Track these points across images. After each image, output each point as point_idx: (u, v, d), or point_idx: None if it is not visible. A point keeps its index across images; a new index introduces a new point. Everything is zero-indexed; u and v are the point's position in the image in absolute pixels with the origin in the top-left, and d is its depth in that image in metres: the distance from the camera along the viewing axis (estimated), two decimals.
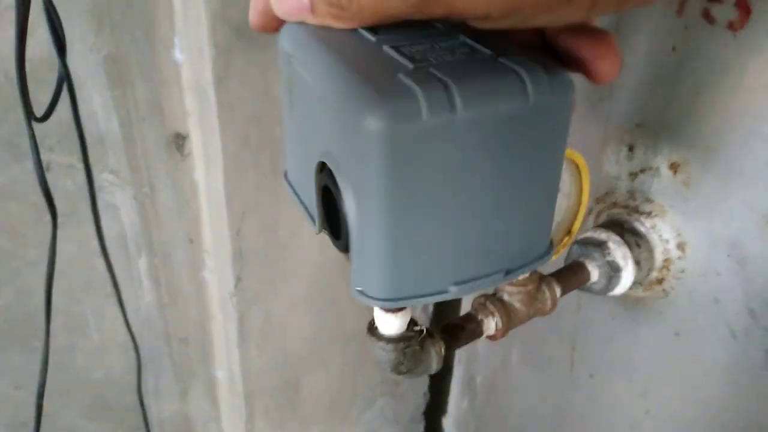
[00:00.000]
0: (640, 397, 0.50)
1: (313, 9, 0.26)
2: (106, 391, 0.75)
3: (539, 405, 0.60)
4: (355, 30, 0.27)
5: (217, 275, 0.74)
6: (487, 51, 0.26)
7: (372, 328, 0.35)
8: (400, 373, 0.35)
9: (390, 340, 0.34)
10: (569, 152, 0.37)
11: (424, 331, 0.36)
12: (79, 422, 0.74)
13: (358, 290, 0.28)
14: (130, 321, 0.69)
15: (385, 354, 0.35)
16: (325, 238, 0.31)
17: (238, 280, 0.72)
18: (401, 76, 0.24)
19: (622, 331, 0.50)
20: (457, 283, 0.27)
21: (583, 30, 0.28)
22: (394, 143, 0.23)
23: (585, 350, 0.54)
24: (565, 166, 0.39)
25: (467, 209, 0.25)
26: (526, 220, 0.27)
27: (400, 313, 0.34)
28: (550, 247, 0.30)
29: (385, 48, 0.26)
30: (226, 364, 0.80)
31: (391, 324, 0.34)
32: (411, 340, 0.35)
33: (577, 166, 0.38)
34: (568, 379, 0.56)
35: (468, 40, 0.27)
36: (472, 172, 0.25)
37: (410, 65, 0.24)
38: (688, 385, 0.47)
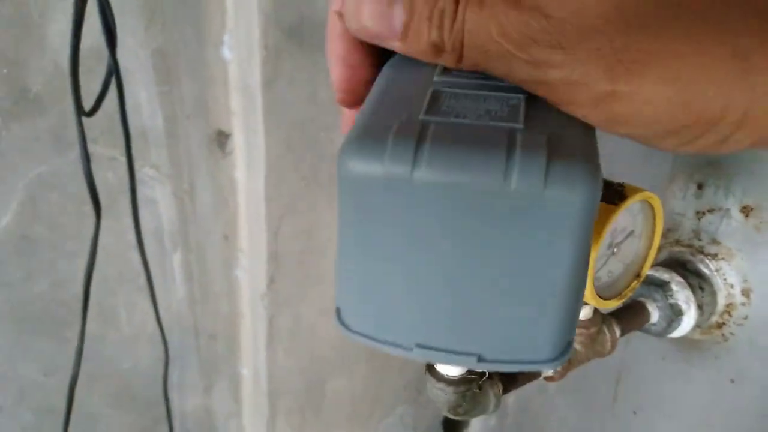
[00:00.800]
0: None
1: (405, 37, 0.23)
2: (132, 382, 0.75)
3: None
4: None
5: (249, 274, 0.73)
6: (521, 122, 0.23)
7: (431, 367, 0.34)
8: (457, 415, 0.34)
9: (450, 382, 0.33)
10: (646, 194, 0.35)
11: (486, 374, 0.34)
12: (104, 410, 0.74)
13: (337, 307, 0.27)
14: (161, 315, 0.69)
15: (444, 396, 0.33)
16: None
17: (271, 281, 0.72)
18: (401, 122, 0.23)
19: (673, 371, 0.49)
20: (420, 346, 0.26)
21: None
22: (352, 183, 0.23)
23: (630, 385, 0.53)
24: (639, 207, 0.37)
25: (428, 276, 0.24)
26: (511, 313, 0.24)
27: None
28: (561, 355, 0.25)
29: (430, 90, 0.24)
30: (252, 363, 0.79)
31: (453, 366, 0.33)
32: (471, 383, 0.34)
33: (652, 208, 0.37)
34: (610, 412, 0.54)
35: (523, 104, 0.24)
36: (433, 239, 0.23)
37: (421, 114, 0.23)
38: None
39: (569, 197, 0.21)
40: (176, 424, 0.80)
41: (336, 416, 0.87)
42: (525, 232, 0.22)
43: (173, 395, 0.78)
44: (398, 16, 0.22)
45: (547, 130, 0.22)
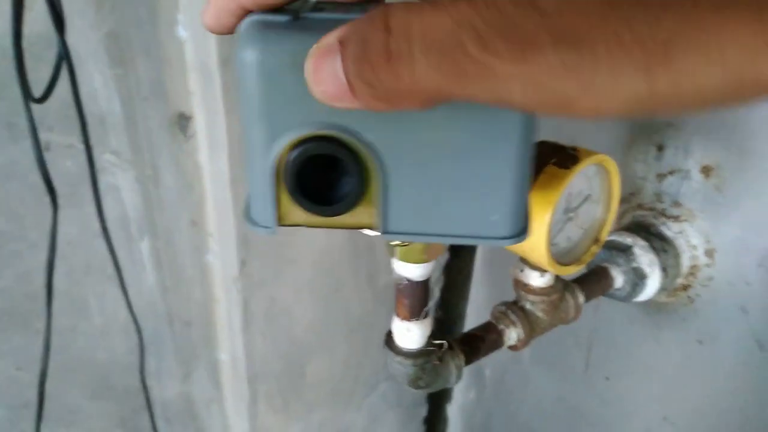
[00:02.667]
0: (657, 403, 0.49)
1: (353, 91, 0.20)
2: (109, 373, 0.74)
3: (550, 403, 0.59)
4: None
5: (221, 259, 0.72)
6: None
7: (389, 341, 0.34)
8: (418, 387, 0.34)
9: (409, 354, 0.33)
10: (600, 156, 0.35)
11: (445, 345, 0.34)
12: (82, 403, 0.74)
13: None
14: (133, 303, 0.68)
15: (403, 369, 0.33)
16: None
17: (243, 264, 0.71)
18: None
19: (642, 335, 0.49)
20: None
21: None
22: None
23: (601, 351, 0.53)
24: (594, 170, 0.37)
25: None
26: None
27: (419, 324, 0.32)
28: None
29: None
30: (229, 348, 0.79)
31: (410, 336, 0.32)
32: (431, 354, 0.33)
33: (607, 171, 0.36)
34: (582, 380, 0.54)
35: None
36: None
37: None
38: (709, 393, 0.46)
39: (242, 52, 0.25)
40: (157, 412, 0.79)
41: (318, 397, 0.87)
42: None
43: (152, 383, 0.77)
44: (339, 73, 0.20)
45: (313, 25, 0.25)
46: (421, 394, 0.98)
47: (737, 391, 0.44)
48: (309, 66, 0.21)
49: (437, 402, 0.92)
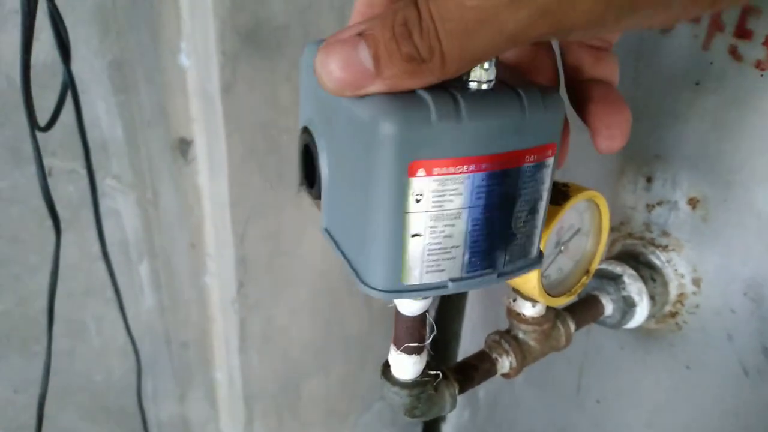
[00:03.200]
0: (646, 427, 0.50)
1: (380, 71, 0.22)
2: (106, 395, 0.74)
3: (542, 425, 0.60)
4: None
5: (218, 280, 0.73)
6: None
7: (386, 372, 0.35)
8: (414, 416, 0.35)
9: (405, 385, 0.34)
10: (590, 193, 0.36)
11: (440, 375, 0.35)
12: (79, 425, 0.74)
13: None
14: (131, 325, 0.69)
15: (399, 399, 0.34)
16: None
17: (241, 285, 0.72)
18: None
19: (632, 360, 0.50)
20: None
21: (608, 99, 0.28)
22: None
23: (592, 375, 0.54)
24: (585, 205, 0.38)
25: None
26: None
27: (416, 357, 0.33)
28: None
29: None
30: (226, 368, 0.79)
31: (406, 368, 0.34)
32: (426, 384, 0.34)
33: (597, 206, 0.38)
34: (574, 403, 0.56)
35: None
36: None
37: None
38: (697, 418, 0.47)
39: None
40: None
41: (313, 416, 0.88)
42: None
43: (148, 405, 0.77)
44: (364, 53, 0.22)
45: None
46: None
47: (724, 414, 0.45)
48: (322, 60, 0.23)
49: (432, 422, 0.93)
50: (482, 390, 0.69)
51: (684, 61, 0.42)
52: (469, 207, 0.25)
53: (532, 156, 0.26)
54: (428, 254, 0.26)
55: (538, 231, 0.29)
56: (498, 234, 0.27)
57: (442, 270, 0.26)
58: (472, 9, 0.20)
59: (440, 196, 0.25)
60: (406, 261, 0.26)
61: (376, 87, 0.23)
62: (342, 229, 0.29)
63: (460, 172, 0.24)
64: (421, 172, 0.24)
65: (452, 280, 0.27)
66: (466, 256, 0.26)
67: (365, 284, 0.27)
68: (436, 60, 0.22)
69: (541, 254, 0.30)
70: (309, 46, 0.30)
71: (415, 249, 0.26)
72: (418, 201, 0.25)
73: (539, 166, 0.27)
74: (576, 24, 0.21)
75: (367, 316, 0.84)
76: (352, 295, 0.81)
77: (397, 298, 0.28)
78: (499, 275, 0.28)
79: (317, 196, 0.30)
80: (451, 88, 0.24)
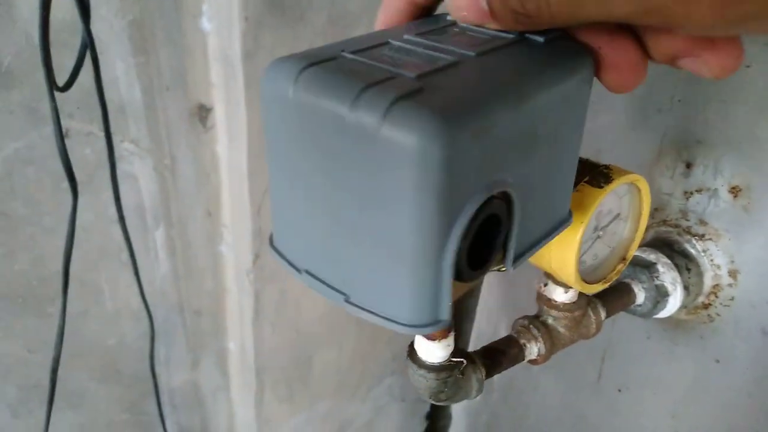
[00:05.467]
0: (669, 418, 0.49)
1: (494, 15, 0.25)
2: (118, 358, 0.74)
3: (559, 411, 0.59)
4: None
5: (234, 250, 0.72)
6: (415, 73, 0.23)
7: (412, 354, 0.34)
8: (439, 401, 0.34)
9: (431, 368, 0.33)
10: (633, 176, 0.34)
11: (465, 361, 0.34)
12: (90, 386, 0.74)
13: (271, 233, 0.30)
14: (145, 291, 0.68)
15: (426, 382, 0.33)
16: None
17: (257, 257, 0.71)
18: (324, 55, 0.25)
19: (658, 350, 0.49)
20: (307, 272, 0.27)
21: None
22: (263, 102, 0.25)
23: (615, 363, 0.53)
24: (625, 189, 0.36)
25: (311, 202, 0.25)
26: (370, 260, 0.24)
27: (443, 342, 0.32)
28: (425, 324, 0.24)
29: (388, 40, 0.26)
30: (239, 338, 0.79)
31: (433, 352, 0.32)
32: (453, 369, 0.33)
33: (638, 191, 0.36)
34: (594, 390, 0.54)
35: (452, 62, 0.24)
36: (310, 163, 0.24)
37: (347, 52, 0.25)
38: (723, 413, 0.46)
39: (404, 139, 0.20)
40: (164, 398, 0.80)
41: (324, 389, 0.88)
42: (373, 172, 0.22)
43: (160, 370, 0.77)
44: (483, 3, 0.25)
45: (447, 85, 0.22)
46: None
47: (752, 411, 0.44)
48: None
49: None
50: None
51: None
52: None
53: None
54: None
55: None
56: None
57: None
58: None
59: None
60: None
61: (493, 26, 0.26)
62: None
63: None
64: None
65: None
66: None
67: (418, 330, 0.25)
68: (544, 18, 0.24)
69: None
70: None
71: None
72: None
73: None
74: (684, 26, 0.22)
75: None
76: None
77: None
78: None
79: (480, 274, 0.26)
80: None
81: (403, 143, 0.20)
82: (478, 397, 0.59)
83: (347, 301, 0.25)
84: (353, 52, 0.25)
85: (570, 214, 0.29)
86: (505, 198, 0.24)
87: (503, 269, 0.27)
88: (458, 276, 0.24)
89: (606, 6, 0.22)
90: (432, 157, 0.20)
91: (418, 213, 0.21)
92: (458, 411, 0.83)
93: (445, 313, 0.24)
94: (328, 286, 0.26)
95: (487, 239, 0.25)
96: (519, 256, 0.26)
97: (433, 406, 0.97)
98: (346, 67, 0.23)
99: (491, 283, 0.68)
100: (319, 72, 0.23)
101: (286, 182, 0.25)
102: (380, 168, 0.21)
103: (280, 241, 0.28)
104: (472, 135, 0.21)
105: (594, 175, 0.33)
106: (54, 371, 0.61)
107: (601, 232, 0.35)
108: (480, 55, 0.25)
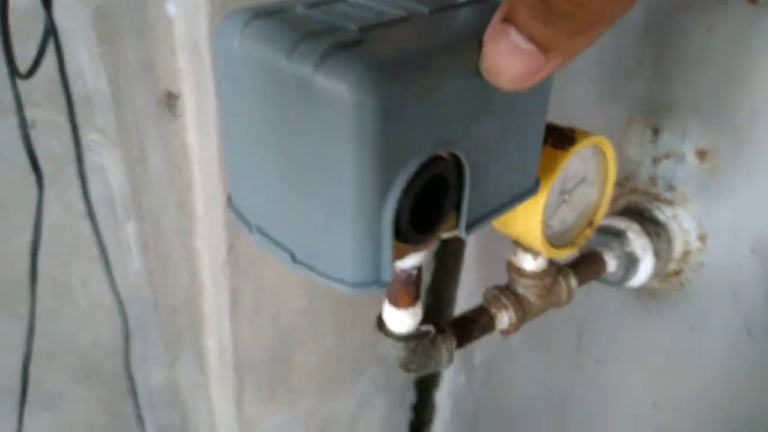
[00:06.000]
0: (646, 388, 0.49)
1: (545, 47, 0.21)
2: (94, 357, 0.73)
3: (539, 388, 0.59)
4: None
5: (208, 243, 0.71)
6: (357, 26, 0.23)
7: (381, 324, 0.33)
8: (409, 370, 0.33)
9: (400, 338, 0.32)
10: (598, 138, 0.34)
11: (434, 329, 0.33)
12: (66, 387, 0.73)
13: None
14: (118, 287, 0.67)
15: (395, 352, 0.33)
16: None
17: (231, 248, 0.70)
18: (276, 9, 0.25)
19: (633, 320, 0.49)
20: (258, 229, 0.26)
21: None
22: (214, 55, 0.26)
23: (593, 336, 0.53)
24: (591, 152, 0.36)
25: (258, 157, 0.24)
26: (314, 217, 0.23)
27: (411, 310, 0.32)
28: (366, 284, 0.24)
29: None
30: (216, 334, 0.78)
31: (401, 321, 0.32)
32: (422, 338, 0.33)
33: (604, 154, 0.36)
34: (573, 363, 0.54)
35: (397, 18, 0.24)
36: (256, 115, 0.24)
37: (299, 7, 0.25)
38: (699, 379, 0.46)
39: (336, 89, 0.20)
40: (142, 397, 0.78)
41: (305, 384, 0.87)
42: (311, 125, 0.21)
43: (137, 369, 0.76)
44: (517, 37, 0.21)
45: (390, 39, 0.22)
46: (409, 380, 0.97)
47: (726, 377, 0.44)
48: (490, 58, 0.22)
49: (426, 387, 0.93)
50: (478, 353, 0.68)
51: (696, 5, 0.40)
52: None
53: None
54: None
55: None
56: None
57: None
58: None
59: None
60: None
61: (552, 64, 0.21)
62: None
63: None
64: None
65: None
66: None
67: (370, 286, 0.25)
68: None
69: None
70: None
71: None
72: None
73: None
74: None
75: None
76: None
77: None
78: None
79: (432, 236, 0.25)
80: None
81: (335, 94, 0.20)
82: (462, 379, 0.58)
83: (294, 260, 0.25)
84: (308, 6, 0.25)
85: (537, 184, 0.29)
86: (456, 160, 0.24)
87: (457, 235, 0.26)
88: (404, 238, 0.23)
89: None
90: (366, 110, 0.20)
91: (355, 167, 0.21)
92: (443, 398, 0.83)
93: (387, 274, 0.23)
94: (277, 244, 0.25)
95: (435, 202, 0.24)
96: (474, 223, 0.26)
97: (418, 395, 0.97)
98: (292, 19, 0.24)
99: (469, 265, 0.68)
100: (264, 23, 0.23)
101: (237, 137, 0.25)
102: (317, 120, 0.21)
103: (236, 198, 0.28)
104: (414, 90, 0.21)
105: (558, 137, 0.33)
106: (25, 369, 0.59)
107: (567, 196, 0.35)
108: (433, 13, 0.25)
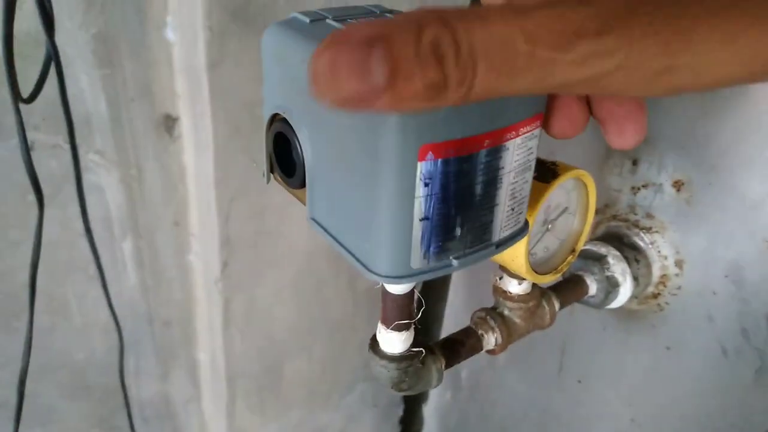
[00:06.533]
0: (626, 406, 0.51)
1: (393, 90, 0.18)
2: (88, 372, 0.74)
3: (524, 405, 0.61)
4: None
5: (202, 259, 0.73)
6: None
7: (374, 346, 0.35)
8: (401, 390, 0.35)
9: (392, 358, 0.34)
10: (579, 171, 0.36)
11: (425, 350, 0.35)
12: (59, 402, 0.73)
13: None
14: (113, 303, 0.68)
15: (387, 372, 0.34)
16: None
17: (225, 265, 0.71)
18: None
19: (614, 340, 0.51)
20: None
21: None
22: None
23: (574, 355, 0.54)
24: (572, 184, 0.38)
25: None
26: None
27: (405, 334, 0.34)
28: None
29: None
30: (209, 348, 0.79)
31: (394, 344, 0.34)
32: (413, 358, 0.34)
33: (585, 185, 0.38)
34: (556, 382, 0.56)
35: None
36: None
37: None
38: (676, 397, 0.48)
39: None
40: (135, 412, 0.79)
41: (295, 397, 0.88)
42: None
43: (130, 383, 0.77)
44: (378, 66, 0.18)
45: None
46: (397, 395, 0.99)
47: (702, 395, 0.46)
48: (324, 64, 0.18)
49: (413, 403, 0.94)
50: (465, 371, 0.70)
51: None
52: (474, 184, 0.26)
53: (526, 128, 0.26)
54: (435, 236, 0.26)
55: (526, 200, 0.30)
56: (495, 206, 0.27)
57: (448, 250, 0.27)
58: (524, 55, 0.18)
59: (447, 177, 0.25)
60: (414, 245, 0.26)
61: (382, 104, 0.18)
62: (336, 217, 0.28)
63: (466, 152, 0.24)
64: (430, 155, 0.24)
65: (456, 258, 0.27)
66: (468, 233, 0.27)
67: (372, 272, 0.27)
68: (462, 90, 0.19)
69: (527, 223, 0.30)
70: (273, 26, 0.29)
71: (423, 233, 0.25)
72: (426, 185, 0.24)
73: (530, 136, 0.27)
74: (629, 91, 0.20)
75: (351, 297, 0.84)
76: (336, 276, 0.81)
77: (407, 282, 0.27)
78: (497, 246, 0.28)
79: (298, 186, 0.30)
80: None
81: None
82: (448, 396, 0.60)
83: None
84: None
85: (388, 272, 0.27)
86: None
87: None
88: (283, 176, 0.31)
89: (544, 76, 0.19)
90: None
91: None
92: (430, 413, 0.85)
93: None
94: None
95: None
96: (315, 218, 0.31)
97: (406, 410, 0.98)
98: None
99: (457, 285, 0.70)
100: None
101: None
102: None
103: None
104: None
105: (541, 171, 0.35)
106: (21, 384, 0.60)
107: (550, 225, 0.37)
108: None
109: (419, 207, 0.25)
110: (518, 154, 0.26)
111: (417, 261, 0.26)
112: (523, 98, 0.25)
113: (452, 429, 0.76)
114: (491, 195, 0.27)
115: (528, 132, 0.26)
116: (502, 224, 0.28)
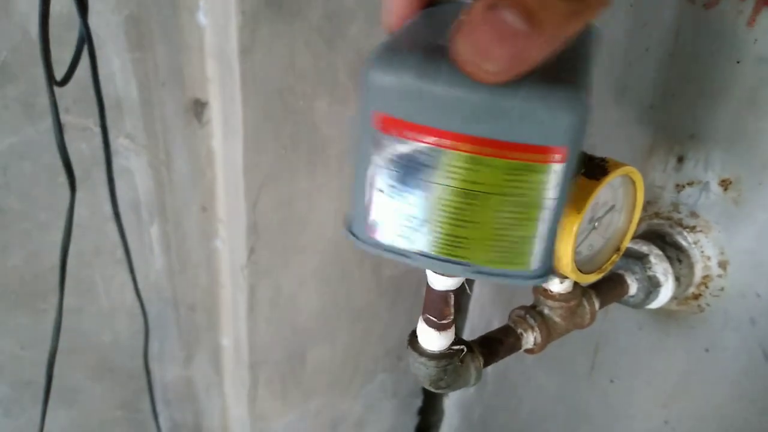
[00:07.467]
0: (660, 408, 0.50)
1: (538, 24, 0.18)
2: (112, 354, 0.74)
3: (552, 403, 0.60)
4: None
5: (229, 245, 0.73)
6: None
7: (413, 342, 0.34)
8: (438, 388, 0.34)
9: (432, 356, 0.33)
10: (628, 168, 0.35)
11: (465, 349, 0.35)
12: (84, 383, 0.74)
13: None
14: (139, 286, 0.68)
15: (426, 370, 0.34)
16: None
17: (251, 252, 0.71)
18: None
19: (650, 341, 0.50)
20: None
21: None
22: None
23: (608, 354, 0.54)
24: (620, 181, 0.37)
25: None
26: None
27: (446, 330, 0.33)
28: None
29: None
30: (232, 333, 0.79)
31: (434, 340, 0.33)
32: (453, 357, 0.34)
33: (633, 183, 0.37)
34: (586, 381, 0.55)
35: None
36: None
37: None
38: (713, 402, 0.47)
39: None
40: (157, 395, 0.80)
41: (317, 384, 0.88)
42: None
43: (154, 366, 0.77)
44: (509, 16, 0.18)
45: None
46: (417, 386, 0.99)
47: (740, 399, 0.45)
48: (470, 46, 0.20)
49: (433, 394, 0.94)
50: (492, 365, 0.69)
51: (726, 38, 0.41)
52: (440, 185, 0.24)
53: (526, 154, 0.23)
54: (394, 217, 0.26)
55: (536, 241, 0.26)
56: (474, 225, 0.25)
57: (410, 239, 0.26)
58: None
59: (408, 161, 0.24)
60: (370, 213, 0.26)
61: (540, 47, 0.19)
62: None
63: (431, 143, 0.24)
64: (393, 131, 0.24)
65: (420, 254, 0.26)
66: (438, 237, 0.25)
67: (346, 228, 0.28)
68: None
69: (544, 272, 0.27)
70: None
71: (379, 204, 0.26)
72: (390, 159, 0.24)
73: (534, 168, 0.24)
74: None
75: (375, 287, 0.84)
76: (362, 265, 0.81)
77: (364, 248, 0.28)
78: (477, 272, 0.26)
79: None
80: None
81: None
82: (472, 389, 0.60)
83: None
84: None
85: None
86: None
87: None
88: None
89: None
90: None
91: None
92: (451, 405, 0.84)
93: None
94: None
95: None
96: None
97: (425, 402, 0.98)
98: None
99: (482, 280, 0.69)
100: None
101: None
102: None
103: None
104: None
105: (590, 167, 0.34)
106: (50, 366, 0.61)
107: (596, 224, 0.36)
108: None
109: (374, 176, 0.26)
110: (511, 181, 0.24)
111: (376, 233, 0.27)
112: (525, 115, 0.23)
113: (475, 422, 0.75)
114: (465, 210, 0.26)
115: (527, 160, 0.24)
116: (488, 251, 0.27)
